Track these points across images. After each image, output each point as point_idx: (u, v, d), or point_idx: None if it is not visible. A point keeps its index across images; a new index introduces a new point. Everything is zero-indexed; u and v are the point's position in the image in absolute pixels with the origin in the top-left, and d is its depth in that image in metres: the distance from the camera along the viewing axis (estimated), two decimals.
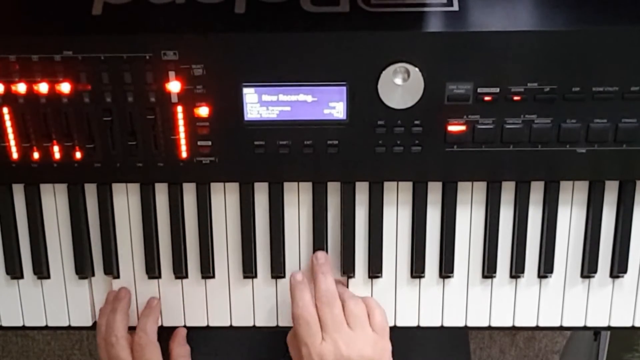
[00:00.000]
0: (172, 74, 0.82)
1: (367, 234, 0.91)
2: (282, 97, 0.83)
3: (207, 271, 0.92)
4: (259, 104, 0.83)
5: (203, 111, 0.84)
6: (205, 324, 0.95)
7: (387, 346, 0.86)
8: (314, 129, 0.85)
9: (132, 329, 0.92)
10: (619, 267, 0.91)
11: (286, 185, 0.90)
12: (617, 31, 0.80)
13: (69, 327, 0.96)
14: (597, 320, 0.94)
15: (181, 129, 0.85)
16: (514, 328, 0.95)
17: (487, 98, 0.83)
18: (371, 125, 0.84)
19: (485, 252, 0.91)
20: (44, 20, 0.84)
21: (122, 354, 0.88)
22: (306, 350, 0.84)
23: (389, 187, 0.90)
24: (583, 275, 0.92)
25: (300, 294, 0.86)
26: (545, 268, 0.91)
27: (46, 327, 0.96)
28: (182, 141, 0.85)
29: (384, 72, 0.81)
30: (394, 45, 0.81)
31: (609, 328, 0.95)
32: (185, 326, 0.95)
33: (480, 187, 0.90)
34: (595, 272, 0.91)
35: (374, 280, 0.93)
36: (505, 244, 0.91)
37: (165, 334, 0.98)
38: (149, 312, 0.91)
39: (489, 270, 0.91)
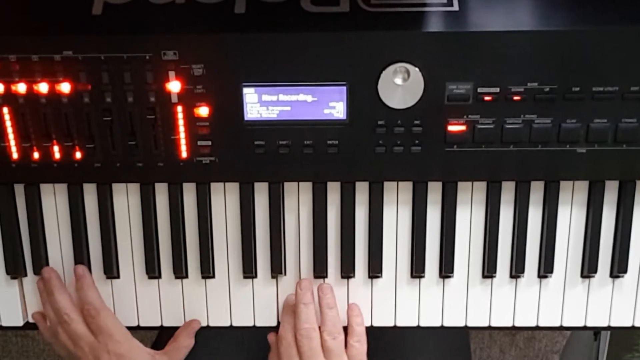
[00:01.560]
0: (172, 73, 0.82)
1: (367, 234, 0.91)
2: (282, 97, 0.83)
3: (207, 271, 0.92)
4: (259, 104, 0.83)
5: (203, 111, 0.84)
6: (205, 324, 0.95)
7: None
8: (314, 129, 0.85)
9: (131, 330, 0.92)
10: (619, 267, 0.91)
11: (286, 185, 0.90)
12: (617, 31, 0.80)
13: None
14: (597, 320, 0.94)
15: (181, 128, 0.85)
16: (514, 328, 0.95)
17: (487, 98, 0.83)
18: (371, 125, 0.84)
19: (485, 252, 0.91)
20: (44, 20, 0.84)
21: (79, 327, 0.89)
22: None
23: (389, 187, 0.90)
24: (583, 275, 0.92)
25: (284, 316, 0.92)
26: (545, 268, 0.91)
27: None
28: (182, 141, 0.85)
29: (384, 72, 0.81)
30: (394, 45, 0.81)
31: (609, 328, 0.95)
32: None
33: (480, 187, 0.90)
34: (595, 272, 0.91)
35: (374, 280, 0.93)
36: (505, 244, 0.91)
37: (166, 335, 0.98)
38: (81, 283, 0.91)
39: (489, 270, 0.91)
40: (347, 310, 0.92)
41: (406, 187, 0.90)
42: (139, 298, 0.94)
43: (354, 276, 0.92)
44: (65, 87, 0.83)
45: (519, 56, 0.81)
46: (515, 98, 0.82)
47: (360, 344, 0.90)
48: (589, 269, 0.91)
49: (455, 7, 0.83)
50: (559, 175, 0.88)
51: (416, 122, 0.84)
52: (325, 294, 0.91)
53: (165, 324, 0.95)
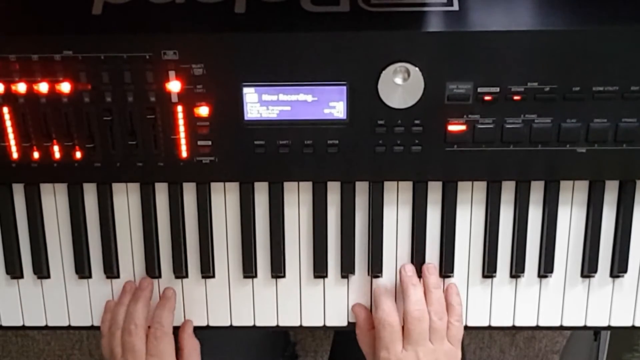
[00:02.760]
0: (172, 73, 0.82)
1: (367, 233, 0.91)
2: (282, 97, 0.83)
3: (207, 271, 0.92)
4: (259, 104, 0.83)
5: (203, 111, 0.84)
6: (205, 324, 0.95)
7: (459, 355, 0.89)
8: (314, 129, 0.85)
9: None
10: (619, 267, 0.91)
11: (286, 185, 0.90)
12: (617, 31, 0.80)
13: (69, 327, 0.96)
14: (597, 320, 0.94)
15: (181, 128, 0.85)
16: (514, 328, 0.95)
17: (487, 98, 0.83)
18: (371, 125, 0.84)
19: (485, 251, 0.91)
20: (44, 19, 0.84)
21: (139, 343, 0.88)
22: (386, 354, 0.87)
23: (389, 186, 0.90)
24: (583, 275, 0.92)
25: (385, 299, 0.90)
26: (546, 268, 0.91)
27: (46, 327, 0.96)
28: (182, 141, 0.85)
29: (384, 72, 0.81)
30: (394, 45, 0.81)
31: (609, 328, 0.95)
32: None
33: (480, 187, 0.90)
34: (596, 271, 0.91)
35: (374, 280, 0.93)
36: (505, 244, 0.91)
37: None
38: (165, 304, 0.91)
39: (489, 270, 0.91)
40: (445, 289, 0.91)
41: (406, 187, 0.90)
42: None
43: (354, 276, 0.92)
44: (65, 87, 0.83)
45: (519, 56, 0.81)
46: (515, 98, 0.82)
47: (459, 324, 0.89)
48: (589, 268, 0.91)
49: (456, 7, 0.83)
50: (559, 175, 0.88)
51: (416, 121, 0.84)
52: (431, 274, 0.90)
53: None
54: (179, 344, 0.93)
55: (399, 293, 0.92)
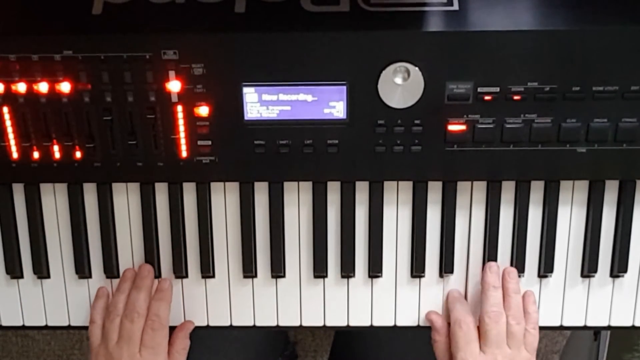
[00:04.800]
0: (172, 73, 0.82)
1: (367, 233, 0.91)
2: (282, 97, 0.83)
3: (207, 271, 0.92)
4: (259, 104, 0.83)
5: (203, 110, 0.84)
6: (205, 324, 0.95)
7: None
8: (314, 129, 0.85)
9: None
10: (619, 267, 0.91)
11: (286, 185, 0.90)
12: (617, 31, 0.80)
13: (69, 327, 0.96)
14: (597, 320, 0.94)
15: (181, 128, 0.85)
16: None
17: (487, 97, 0.83)
18: (371, 125, 0.84)
19: (485, 251, 0.91)
20: (44, 19, 0.84)
21: (137, 333, 0.87)
22: (463, 355, 0.86)
23: (389, 186, 0.90)
24: (583, 275, 0.92)
25: (459, 303, 0.91)
26: (546, 268, 0.91)
27: (46, 327, 0.96)
28: (182, 140, 0.85)
29: (384, 72, 0.82)
30: (394, 45, 0.81)
31: (609, 328, 0.95)
32: None
33: (480, 187, 0.90)
34: (596, 271, 0.91)
35: (374, 280, 0.93)
36: (505, 244, 0.91)
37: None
38: (162, 296, 0.90)
39: None
40: (523, 296, 0.90)
41: (406, 187, 0.90)
42: None
43: (354, 276, 0.92)
44: (65, 87, 0.83)
45: (519, 56, 0.81)
46: (515, 98, 0.82)
47: (535, 332, 0.88)
48: (589, 268, 0.91)
49: (455, 7, 0.83)
50: (559, 175, 0.88)
51: (416, 121, 0.84)
52: (512, 279, 0.90)
53: None
54: (170, 340, 0.92)
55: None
